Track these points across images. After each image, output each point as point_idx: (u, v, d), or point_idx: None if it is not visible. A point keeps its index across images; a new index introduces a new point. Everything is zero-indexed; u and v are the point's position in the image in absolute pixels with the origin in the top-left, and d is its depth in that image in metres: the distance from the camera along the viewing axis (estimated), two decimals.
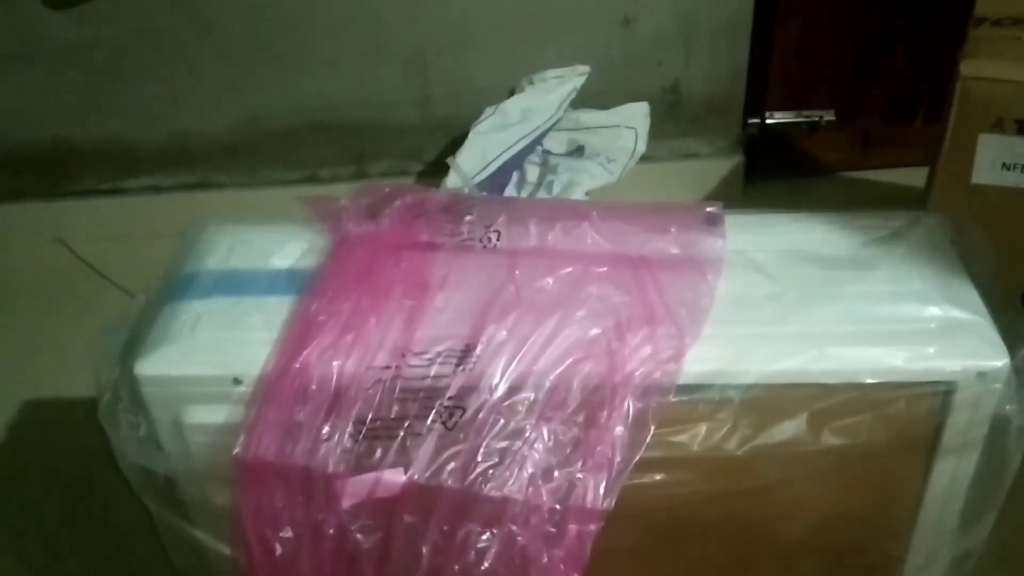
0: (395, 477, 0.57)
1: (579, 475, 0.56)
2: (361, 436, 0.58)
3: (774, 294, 0.63)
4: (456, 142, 1.28)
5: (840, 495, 0.65)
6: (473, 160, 1.23)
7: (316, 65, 1.32)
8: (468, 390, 0.58)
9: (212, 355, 0.62)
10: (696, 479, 0.64)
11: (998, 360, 0.58)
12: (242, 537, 0.62)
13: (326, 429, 0.58)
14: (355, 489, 0.57)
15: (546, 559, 0.56)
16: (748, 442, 0.62)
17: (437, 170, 1.32)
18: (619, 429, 0.57)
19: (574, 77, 1.28)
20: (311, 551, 0.60)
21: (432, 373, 0.58)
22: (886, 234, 0.67)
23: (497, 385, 0.58)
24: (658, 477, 0.64)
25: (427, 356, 0.59)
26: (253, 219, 0.76)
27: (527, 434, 0.57)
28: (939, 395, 0.59)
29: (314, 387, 0.59)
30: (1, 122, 1.37)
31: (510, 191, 1.25)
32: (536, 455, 0.57)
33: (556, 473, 0.57)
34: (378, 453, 0.58)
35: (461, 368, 0.58)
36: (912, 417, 0.60)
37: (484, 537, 0.57)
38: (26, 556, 0.97)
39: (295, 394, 0.59)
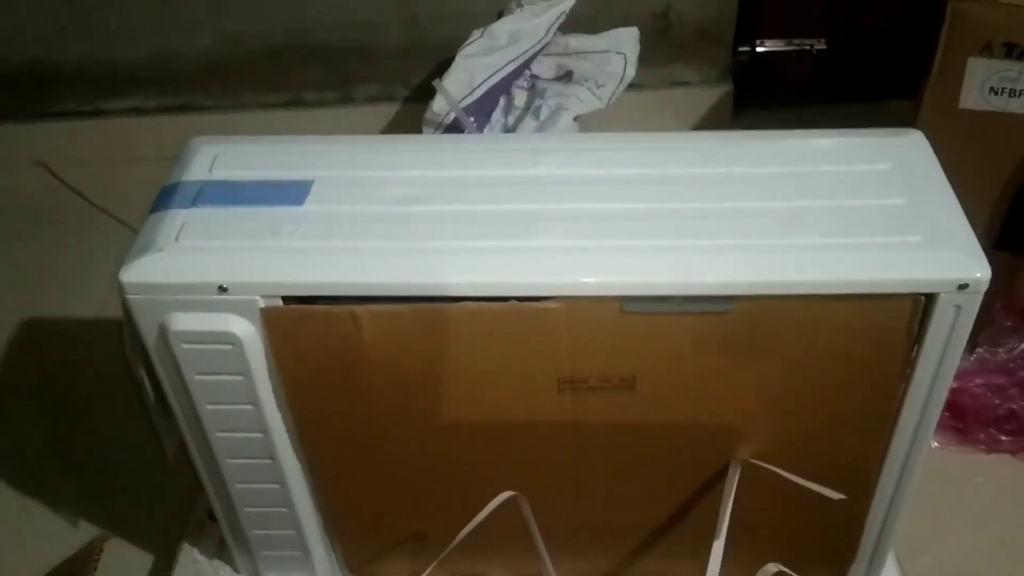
0: None
1: None
2: None
3: (754, 208, 0.63)
4: (443, 65, 1.26)
5: (818, 404, 0.66)
6: (460, 84, 1.22)
7: None
8: None
9: (197, 262, 0.62)
10: (675, 389, 0.66)
11: (980, 272, 0.58)
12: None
13: None
14: None
15: None
16: (730, 352, 0.63)
17: (424, 94, 1.31)
18: None
19: (563, 0, 1.26)
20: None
21: None
22: (871, 150, 0.67)
23: None
24: (637, 386, 0.65)
25: None
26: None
27: None
28: (920, 306, 0.59)
29: None
30: None
31: (497, 116, 1.24)
32: None
33: None
34: None
35: None
36: (892, 327, 0.60)
37: None
38: (9, 476, 0.98)
39: None
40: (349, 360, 0.64)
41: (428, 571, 0.71)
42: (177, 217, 0.65)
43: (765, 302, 0.60)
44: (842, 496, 0.64)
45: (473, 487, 0.71)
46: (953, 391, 0.99)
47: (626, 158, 0.69)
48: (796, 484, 0.67)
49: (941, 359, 0.62)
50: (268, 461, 0.70)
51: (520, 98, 1.26)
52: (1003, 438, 0.95)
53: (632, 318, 0.61)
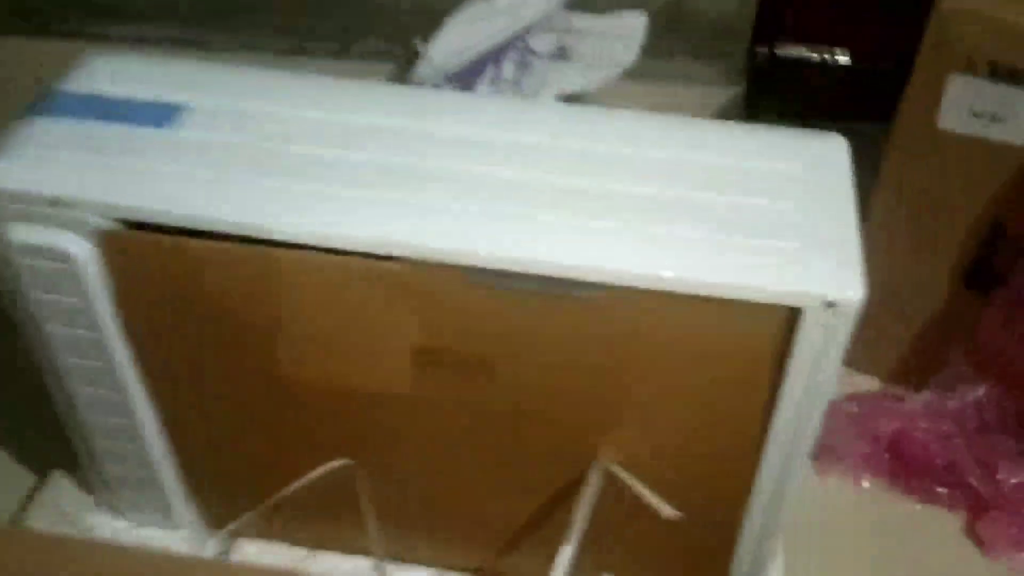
0: None
1: None
2: None
3: (629, 191, 0.57)
4: None
5: (682, 413, 0.61)
6: (446, 50, 1.18)
7: None
8: None
9: (36, 173, 0.59)
10: (534, 378, 0.61)
11: (853, 291, 0.52)
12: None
13: None
14: None
15: None
16: (588, 344, 0.58)
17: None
18: None
19: None
20: None
21: None
22: (782, 149, 0.61)
23: None
24: (495, 369, 0.61)
25: None
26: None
27: None
28: (784, 322, 0.53)
29: None
30: None
31: (481, 86, 1.20)
32: None
33: None
34: None
35: None
36: (755, 338, 0.55)
37: None
38: None
39: None
40: (187, 297, 0.61)
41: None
42: (36, 125, 0.62)
43: (618, 293, 0.55)
44: (677, 514, 0.59)
45: (322, 453, 0.67)
46: (895, 432, 0.92)
47: (527, 126, 0.64)
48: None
49: (809, 381, 0.56)
50: (114, 393, 0.68)
51: (509, 70, 1.21)
52: (939, 490, 0.88)
53: (482, 292, 0.57)
